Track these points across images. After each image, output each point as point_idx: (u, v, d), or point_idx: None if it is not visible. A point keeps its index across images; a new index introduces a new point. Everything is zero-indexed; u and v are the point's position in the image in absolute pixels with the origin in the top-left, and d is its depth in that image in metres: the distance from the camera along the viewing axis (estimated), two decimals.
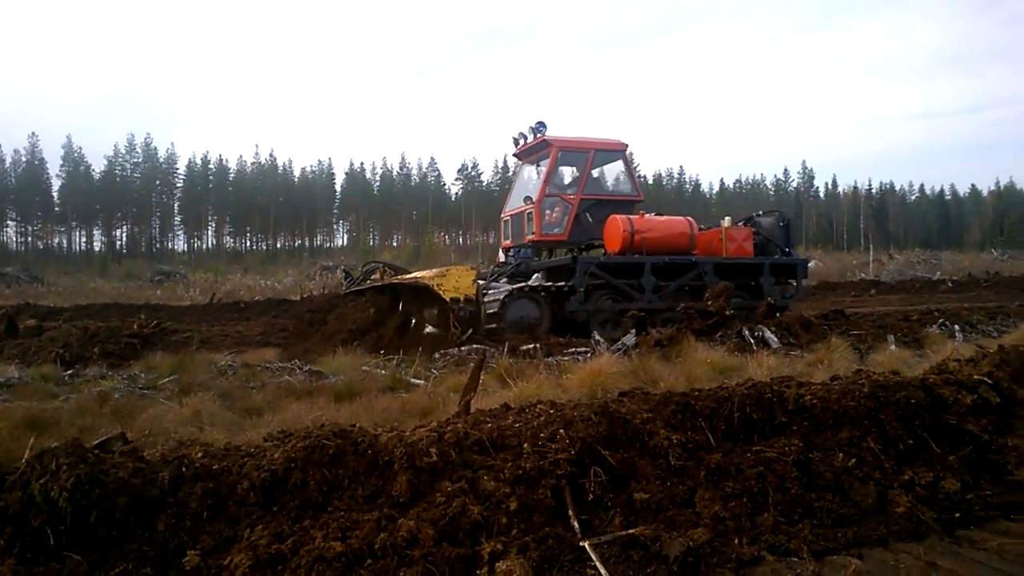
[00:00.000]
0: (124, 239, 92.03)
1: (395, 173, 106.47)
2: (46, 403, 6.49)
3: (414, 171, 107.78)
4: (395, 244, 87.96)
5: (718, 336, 10.26)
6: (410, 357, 9.26)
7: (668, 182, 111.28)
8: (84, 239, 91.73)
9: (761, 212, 16.27)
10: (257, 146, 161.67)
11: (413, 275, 12.11)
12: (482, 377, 5.08)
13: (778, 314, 12.41)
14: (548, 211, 14.48)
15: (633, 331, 10.50)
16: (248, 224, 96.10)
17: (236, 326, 15.85)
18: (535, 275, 13.81)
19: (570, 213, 14.37)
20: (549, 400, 3.94)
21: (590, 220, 14.38)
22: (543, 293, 12.91)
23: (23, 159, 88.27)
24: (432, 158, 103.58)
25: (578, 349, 10.10)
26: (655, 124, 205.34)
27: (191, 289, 34.93)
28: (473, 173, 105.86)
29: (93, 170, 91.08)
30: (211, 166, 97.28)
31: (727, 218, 15.33)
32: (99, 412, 5.87)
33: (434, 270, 11.91)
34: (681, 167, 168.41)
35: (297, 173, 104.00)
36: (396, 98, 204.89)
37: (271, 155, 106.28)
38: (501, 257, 16.00)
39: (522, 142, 15.23)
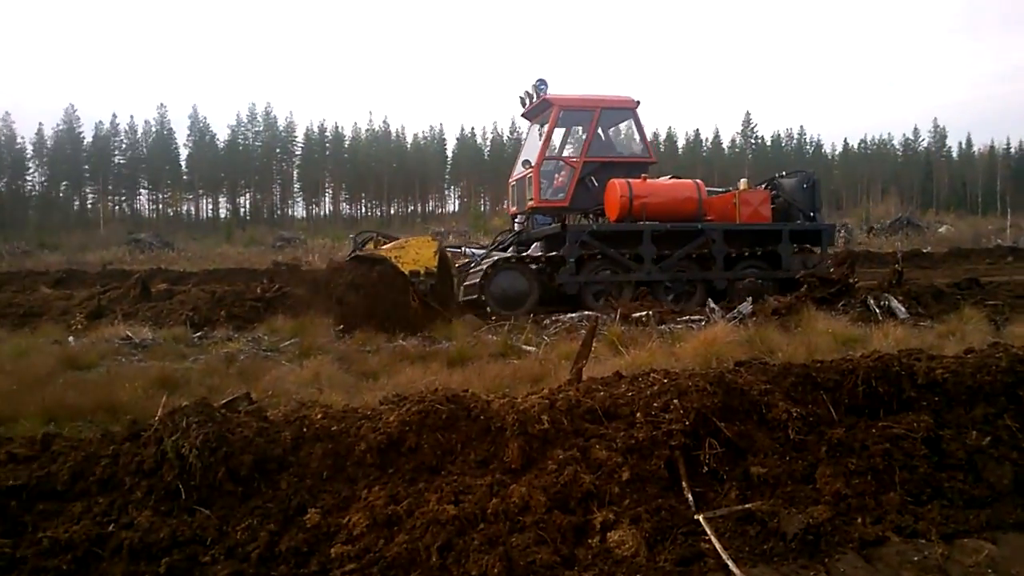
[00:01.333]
0: (247, 206, 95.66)
1: (505, 138, 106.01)
2: (177, 363, 6.88)
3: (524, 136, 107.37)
4: (506, 208, 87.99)
5: (840, 305, 9.92)
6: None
7: (787, 143, 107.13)
8: (210, 206, 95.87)
9: (784, 173, 14.86)
10: (371, 113, 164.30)
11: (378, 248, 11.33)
12: (594, 345, 5.04)
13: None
14: (556, 175, 13.70)
15: (749, 299, 10.27)
16: (363, 191, 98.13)
17: None
18: (534, 244, 13.17)
19: (573, 177, 13.34)
20: (662, 369, 3.87)
21: (595, 184, 13.34)
22: (532, 264, 12.31)
23: (153, 129, 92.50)
24: None
25: (692, 317, 9.94)
26: (774, 84, 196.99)
27: (310, 254, 36.03)
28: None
29: (217, 139, 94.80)
30: (327, 134, 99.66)
31: (743, 180, 14.06)
32: (226, 373, 6.17)
33: (393, 243, 11.21)
34: (801, 127, 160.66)
35: (409, 140, 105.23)
36: (506, 62, 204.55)
37: (384, 122, 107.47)
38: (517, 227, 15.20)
39: (528, 102, 14.19)
